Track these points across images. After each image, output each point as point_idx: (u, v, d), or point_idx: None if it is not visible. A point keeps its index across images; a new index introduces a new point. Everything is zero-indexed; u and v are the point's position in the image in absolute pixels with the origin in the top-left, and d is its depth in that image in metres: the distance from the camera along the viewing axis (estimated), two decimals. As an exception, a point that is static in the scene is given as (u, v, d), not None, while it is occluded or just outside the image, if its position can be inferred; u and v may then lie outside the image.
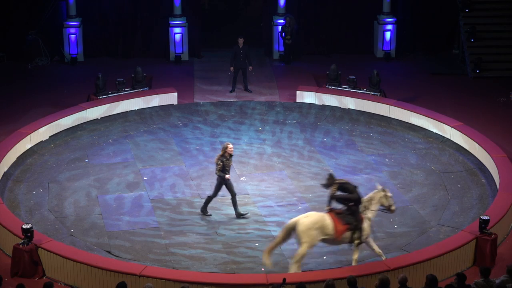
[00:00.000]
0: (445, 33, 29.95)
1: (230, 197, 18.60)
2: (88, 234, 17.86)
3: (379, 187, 16.38)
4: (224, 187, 18.46)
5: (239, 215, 18.56)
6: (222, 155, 18.23)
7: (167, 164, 21.24)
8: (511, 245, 17.54)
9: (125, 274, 15.34)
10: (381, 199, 16.22)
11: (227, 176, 18.28)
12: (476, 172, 20.76)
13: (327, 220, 15.81)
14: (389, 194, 16.29)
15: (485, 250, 16.50)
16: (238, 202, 18.94)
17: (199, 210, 18.85)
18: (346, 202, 16.08)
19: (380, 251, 16.27)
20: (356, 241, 16.00)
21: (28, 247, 16.03)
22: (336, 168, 21.07)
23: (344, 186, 16.12)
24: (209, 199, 18.61)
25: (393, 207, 16.33)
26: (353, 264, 16.03)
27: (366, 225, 16.04)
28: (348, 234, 15.94)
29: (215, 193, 18.53)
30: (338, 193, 16.08)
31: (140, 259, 16.86)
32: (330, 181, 16.15)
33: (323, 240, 15.93)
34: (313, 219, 15.75)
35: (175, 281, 15.17)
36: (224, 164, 18.19)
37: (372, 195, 16.22)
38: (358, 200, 16.03)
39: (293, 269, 15.77)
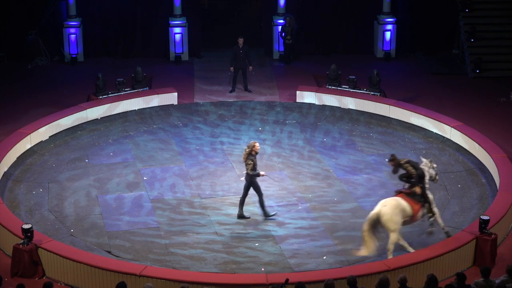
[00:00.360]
0: (445, 33, 29.95)
1: (230, 197, 18.59)
2: (88, 234, 17.87)
3: (425, 160, 17.29)
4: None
5: (267, 216, 18.46)
6: (250, 154, 18.16)
7: (167, 164, 21.25)
8: (511, 245, 17.54)
9: (125, 274, 15.35)
10: (430, 171, 17.14)
11: (262, 173, 18.27)
12: (476, 172, 20.76)
13: (403, 202, 16.63)
14: (435, 165, 17.30)
15: (485, 250, 16.50)
16: (237, 202, 18.96)
17: (199, 210, 18.86)
18: (413, 180, 16.89)
19: (443, 224, 17.30)
20: (429, 215, 17.05)
21: (28, 247, 16.04)
22: (336, 168, 21.08)
23: (413, 164, 17.02)
24: (241, 201, 18.52)
25: (437, 177, 17.40)
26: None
27: (431, 196, 17.03)
28: (422, 211, 16.94)
29: (246, 193, 18.41)
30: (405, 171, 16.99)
31: (140, 259, 16.86)
32: (396, 162, 17.11)
33: (403, 223, 16.66)
34: (392, 205, 16.47)
35: (175, 281, 15.17)
36: (254, 163, 18.13)
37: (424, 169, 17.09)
38: (423, 176, 16.88)
39: (390, 255, 16.49)
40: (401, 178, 17.11)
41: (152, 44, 29.57)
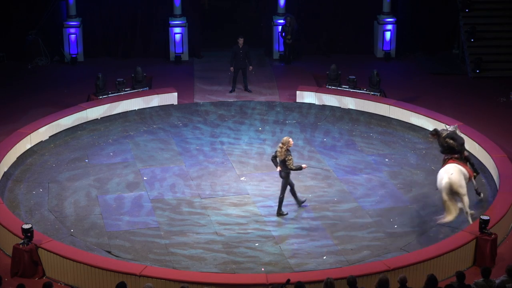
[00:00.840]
0: (445, 33, 29.95)
1: (230, 197, 18.60)
2: (88, 234, 17.87)
3: (450, 127, 18.36)
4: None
5: (300, 203, 18.93)
6: (287, 150, 18.24)
7: (167, 164, 21.24)
8: (511, 245, 17.54)
9: (125, 274, 15.35)
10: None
11: (303, 165, 18.62)
12: (476, 172, 20.75)
13: (461, 167, 17.68)
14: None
15: (485, 250, 16.49)
16: (237, 202, 18.98)
17: (199, 210, 18.85)
18: (456, 149, 17.92)
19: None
20: (475, 174, 18.56)
21: (28, 247, 16.04)
22: (336, 168, 21.08)
23: (451, 136, 17.95)
24: (280, 200, 18.64)
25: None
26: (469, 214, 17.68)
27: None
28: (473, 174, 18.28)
29: (284, 190, 18.59)
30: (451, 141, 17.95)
31: (140, 259, 16.86)
32: (438, 136, 18.05)
33: None
34: (457, 171, 17.45)
35: (175, 281, 15.17)
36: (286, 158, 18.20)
37: None
38: (463, 143, 18.09)
39: (470, 217, 17.54)
40: (444, 151, 17.99)
41: (152, 44, 29.57)
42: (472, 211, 17.73)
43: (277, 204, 18.61)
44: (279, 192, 19.72)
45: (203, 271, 16.23)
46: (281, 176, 18.50)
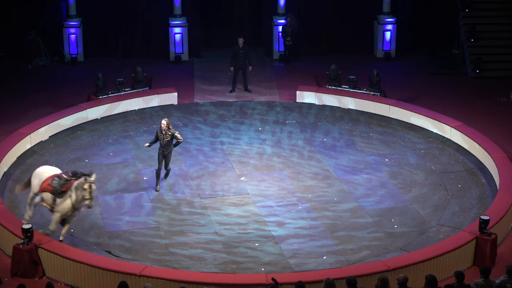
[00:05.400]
0: (445, 33, 29.95)
1: (230, 197, 18.63)
2: (88, 234, 17.86)
3: None
4: None
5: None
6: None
7: (167, 164, 21.24)
8: (511, 245, 17.54)
9: (125, 274, 15.35)
10: None
11: (146, 144, 19.78)
12: (476, 172, 20.75)
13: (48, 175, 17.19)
14: None
15: (485, 250, 16.50)
16: (237, 202, 18.98)
17: (199, 210, 18.86)
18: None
19: None
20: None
21: (28, 247, 16.04)
22: (336, 168, 21.08)
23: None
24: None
25: None
26: None
27: None
28: None
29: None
30: None
31: (140, 259, 16.86)
32: None
33: None
34: (42, 171, 17.12)
35: (175, 281, 15.17)
36: None
37: None
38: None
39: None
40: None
41: (152, 44, 29.57)
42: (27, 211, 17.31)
43: (276, 203, 18.59)
44: (279, 192, 19.77)
45: (203, 271, 16.23)
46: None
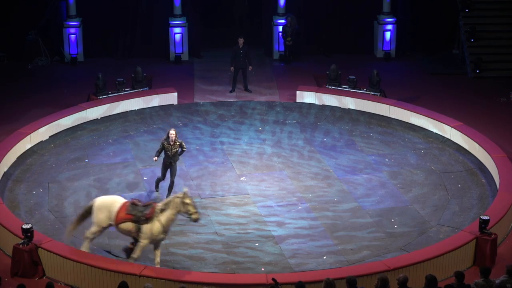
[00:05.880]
0: (445, 33, 29.95)
1: (230, 197, 18.61)
2: (88, 234, 17.85)
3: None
4: None
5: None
6: (166, 139, 18.91)
7: (167, 164, 21.23)
8: (511, 245, 17.54)
9: (125, 274, 15.35)
10: None
11: (154, 158, 18.98)
12: (476, 172, 20.75)
13: (116, 206, 16.34)
14: None
15: (485, 250, 16.50)
16: (237, 202, 18.97)
17: (199, 210, 18.74)
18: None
19: None
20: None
21: (28, 247, 16.04)
22: (336, 168, 21.08)
23: None
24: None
25: None
26: None
27: None
28: None
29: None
30: None
31: (140, 259, 16.83)
32: None
33: None
34: (107, 202, 16.37)
35: (175, 281, 15.17)
36: None
37: None
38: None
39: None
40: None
41: (152, 44, 29.57)
42: (84, 245, 16.44)
43: (276, 203, 18.60)
44: (279, 192, 19.77)
45: (203, 271, 16.22)
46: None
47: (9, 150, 20.55)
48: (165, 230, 16.04)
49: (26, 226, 16.23)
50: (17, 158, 20.89)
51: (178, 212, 15.93)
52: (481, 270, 14.30)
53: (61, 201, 19.30)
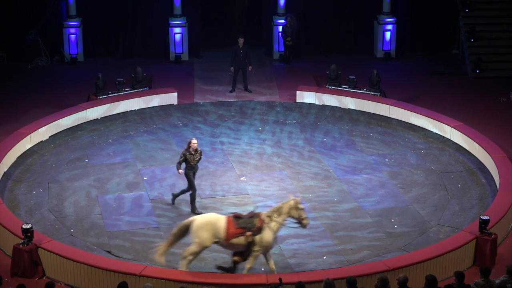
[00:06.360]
0: (445, 33, 29.96)
1: (230, 197, 18.61)
2: (88, 234, 17.86)
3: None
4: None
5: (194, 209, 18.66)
6: (187, 149, 18.47)
7: (167, 164, 21.23)
8: (511, 245, 17.54)
9: (125, 274, 15.34)
10: None
11: (180, 171, 18.43)
12: (476, 172, 20.75)
13: (221, 222, 15.82)
14: None
15: (485, 250, 16.49)
16: (237, 202, 18.97)
17: (199, 210, 18.82)
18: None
19: None
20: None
21: (28, 247, 16.03)
22: (336, 168, 21.08)
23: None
24: (191, 198, 18.72)
25: None
26: None
27: None
28: None
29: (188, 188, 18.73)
30: None
31: (140, 259, 16.85)
32: None
33: None
34: (206, 220, 15.79)
35: (175, 281, 15.17)
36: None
37: None
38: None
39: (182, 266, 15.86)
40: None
41: (152, 44, 29.58)
42: (183, 264, 15.81)
43: (276, 203, 18.54)
44: (279, 192, 19.76)
45: (203, 271, 16.21)
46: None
47: (9, 150, 20.55)
48: (275, 237, 15.94)
49: (26, 226, 16.23)
50: (17, 158, 20.89)
51: (289, 217, 15.90)
52: (481, 270, 14.30)
53: (61, 201, 19.30)
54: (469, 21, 28.70)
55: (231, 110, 24.71)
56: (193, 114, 24.49)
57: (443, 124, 22.57)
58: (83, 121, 23.26)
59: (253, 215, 15.89)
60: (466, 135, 21.74)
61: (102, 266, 15.67)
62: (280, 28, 28.69)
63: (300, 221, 15.95)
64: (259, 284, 15.19)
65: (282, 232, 17.95)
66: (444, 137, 22.51)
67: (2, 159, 20.01)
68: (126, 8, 29.28)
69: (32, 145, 21.63)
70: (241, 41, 25.52)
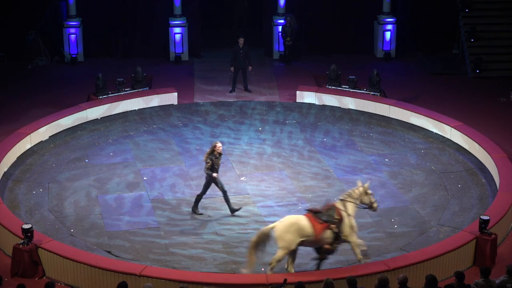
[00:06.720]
0: (445, 33, 29.95)
1: (230, 197, 18.61)
2: (88, 234, 17.87)
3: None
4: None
5: (233, 211, 18.62)
6: (211, 153, 18.20)
7: (167, 164, 21.25)
8: (511, 245, 17.54)
9: (125, 274, 15.34)
10: None
11: (214, 174, 18.23)
12: (476, 172, 20.76)
13: (304, 222, 15.79)
14: None
15: (485, 250, 16.50)
16: (237, 202, 18.97)
17: (199, 210, 18.84)
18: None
19: None
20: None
21: (28, 247, 16.04)
22: (336, 168, 21.08)
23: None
24: (197, 198, 18.68)
25: None
26: None
27: None
28: None
29: (204, 190, 18.59)
30: None
31: (140, 259, 16.86)
32: None
33: None
34: (288, 223, 15.74)
35: (175, 281, 15.17)
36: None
37: None
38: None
39: (270, 270, 15.85)
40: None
41: (152, 44, 29.57)
42: (270, 268, 15.76)
43: (276, 203, 18.60)
44: (279, 192, 19.76)
45: (203, 271, 16.22)
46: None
47: (9, 150, 20.55)
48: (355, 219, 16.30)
49: (26, 226, 16.24)
50: (17, 158, 20.90)
51: (360, 202, 16.25)
52: (481, 270, 14.30)
53: (61, 201, 19.31)
54: (469, 21, 28.70)
55: (231, 110, 24.71)
56: (193, 114, 24.49)
57: (443, 124, 22.57)
58: (83, 121, 23.26)
59: (329, 207, 16.07)
60: (466, 135, 21.74)
61: (102, 266, 15.67)
62: (280, 28, 28.69)
63: (370, 206, 16.32)
64: (259, 284, 15.18)
65: (282, 232, 18.00)
66: (444, 137, 22.51)
67: (2, 159, 20.01)
68: (126, 8, 29.28)
69: (32, 145, 21.63)
70: (241, 41, 25.52)
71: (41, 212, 18.75)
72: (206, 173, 18.29)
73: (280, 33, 28.67)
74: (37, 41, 28.62)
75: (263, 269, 16.41)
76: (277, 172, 20.89)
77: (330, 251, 16.15)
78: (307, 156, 21.85)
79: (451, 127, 22.31)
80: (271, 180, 20.41)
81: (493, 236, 16.58)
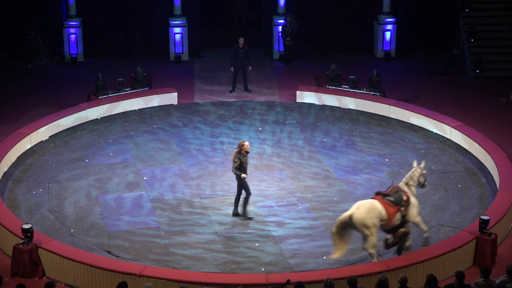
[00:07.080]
0: (445, 33, 29.96)
1: (230, 197, 18.62)
2: (88, 234, 17.87)
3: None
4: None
5: (245, 214, 18.61)
6: (239, 153, 18.24)
7: (167, 164, 21.25)
8: (511, 245, 17.54)
9: (125, 274, 15.35)
10: None
11: (243, 175, 18.27)
12: (476, 172, 20.75)
13: (379, 206, 16.32)
14: None
15: (485, 250, 16.50)
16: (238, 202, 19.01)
17: (199, 210, 18.87)
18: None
19: None
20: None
21: (28, 247, 16.04)
22: (336, 168, 21.08)
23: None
24: (236, 199, 18.68)
25: None
26: None
27: None
28: None
29: (239, 191, 18.63)
30: None
31: (140, 259, 16.87)
32: None
33: None
34: (367, 208, 16.22)
35: (175, 281, 15.17)
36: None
37: None
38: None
39: (374, 259, 16.32)
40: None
41: (152, 44, 29.58)
42: (374, 256, 16.26)
43: (276, 203, 18.62)
44: (279, 192, 19.77)
45: (203, 271, 16.23)
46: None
47: (9, 150, 20.55)
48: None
49: (26, 226, 16.24)
50: (17, 158, 20.90)
51: (418, 183, 16.77)
52: (481, 270, 14.31)
53: (61, 201, 19.31)
54: (469, 21, 28.69)
55: (231, 110, 24.71)
56: (193, 114, 24.49)
57: (443, 124, 22.57)
58: (83, 121, 23.26)
59: (397, 190, 16.42)
60: (466, 135, 21.74)
61: (102, 266, 15.67)
62: (280, 28, 28.69)
63: (423, 185, 16.97)
64: (259, 284, 15.18)
65: (282, 232, 18.03)
66: (444, 137, 22.51)
67: (2, 159, 20.01)
68: (126, 8, 29.28)
69: (32, 145, 21.63)
70: (241, 41, 25.52)
71: (41, 212, 18.76)
72: (235, 173, 18.30)
73: (280, 33, 28.68)
74: (37, 41, 28.63)
75: (263, 269, 16.43)
76: (277, 172, 20.89)
77: (406, 233, 16.47)
78: (307, 156, 21.85)
79: (451, 127, 22.31)
80: (271, 180, 20.41)
81: (493, 236, 16.58)
